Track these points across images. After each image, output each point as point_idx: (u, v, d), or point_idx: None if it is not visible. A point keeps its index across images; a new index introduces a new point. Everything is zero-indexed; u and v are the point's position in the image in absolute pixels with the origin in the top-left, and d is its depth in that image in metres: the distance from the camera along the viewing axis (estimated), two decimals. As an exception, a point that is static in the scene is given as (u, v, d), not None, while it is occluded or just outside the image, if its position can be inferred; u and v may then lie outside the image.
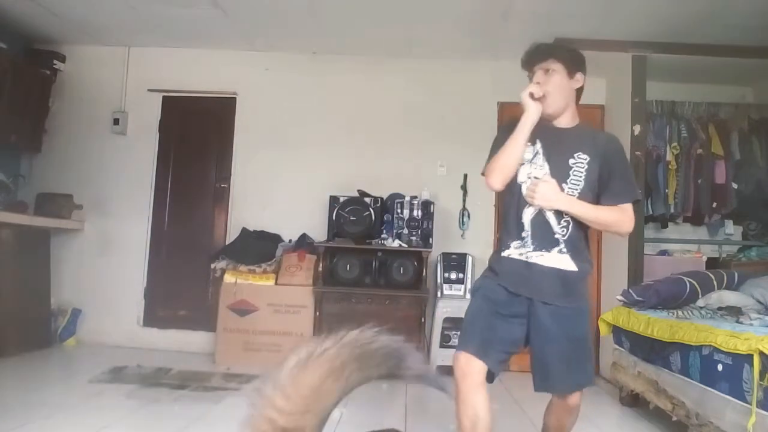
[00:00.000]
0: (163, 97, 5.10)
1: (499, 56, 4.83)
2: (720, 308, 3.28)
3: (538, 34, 4.35)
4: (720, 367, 2.46)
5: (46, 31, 4.81)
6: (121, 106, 5.07)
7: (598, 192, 2.00)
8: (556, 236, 1.97)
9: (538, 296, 1.95)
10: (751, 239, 4.67)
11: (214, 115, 5.09)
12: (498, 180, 2.06)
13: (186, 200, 5.04)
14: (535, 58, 2.22)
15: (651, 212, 4.47)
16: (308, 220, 4.83)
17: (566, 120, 2.11)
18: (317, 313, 4.38)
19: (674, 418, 2.87)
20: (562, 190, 1.96)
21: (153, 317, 4.92)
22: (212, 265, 4.67)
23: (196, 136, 5.10)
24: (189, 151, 5.07)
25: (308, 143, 4.95)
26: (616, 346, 3.71)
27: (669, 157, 4.46)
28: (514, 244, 2.00)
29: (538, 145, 2.05)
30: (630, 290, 3.61)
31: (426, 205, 4.59)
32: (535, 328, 1.96)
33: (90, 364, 4.01)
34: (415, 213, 4.56)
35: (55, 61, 4.93)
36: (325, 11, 4.19)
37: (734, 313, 3.10)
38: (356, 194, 4.64)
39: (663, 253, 4.54)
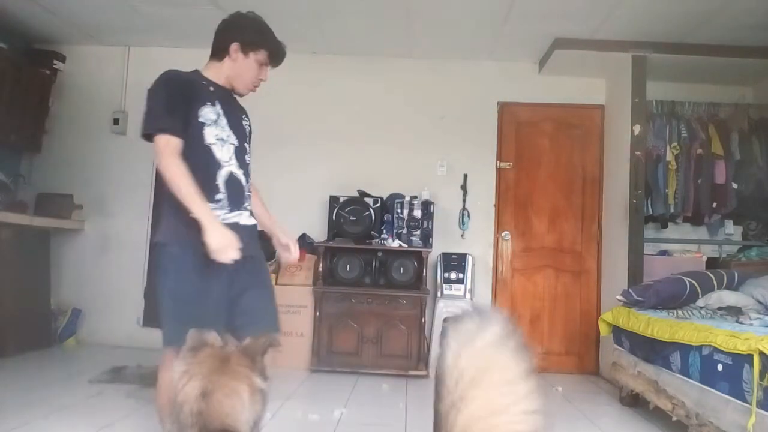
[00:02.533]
0: (163, 97, 5.09)
1: (499, 56, 4.83)
2: (720, 308, 3.28)
3: (538, 34, 4.38)
4: (720, 367, 2.46)
5: (46, 31, 4.81)
6: (121, 106, 5.07)
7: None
8: (246, 194, 2.08)
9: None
10: (751, 239, 4.67)
11: (214, 115, 5.08)
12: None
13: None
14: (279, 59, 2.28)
15: (651, 212, 4.47)
16: (308, 220, 4.83)
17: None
18: (317, 313, 4.38)
19: (674, 418, 2.87)
20: (246, 150, 2.11)
21: (153, 317, 4.91)
22: (212, 265, 4.66)
23: (196, 136, 5.09)
24: (189, 151, 5.06)
25: (308, 143, 4.95)
26: (616, 346, 3.71)
27: (669, 157, 4.46)
28: (213, 206, 1.94)
29: (218, 107, 2.04)
30: (630, 290, 3.61)
31: (426, 205, 4.59)
32: None
33: (90, 364, 4.01)
34: (415, 213, 4.56)
35: (55, 61, 4.93)
36: (325, 11, 4.19)
37: (734, 313, 3.11)
38: (356, 194, 4.64)
39: (663, 253, 4.54)
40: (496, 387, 0.92)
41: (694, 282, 3.45)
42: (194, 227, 1.82)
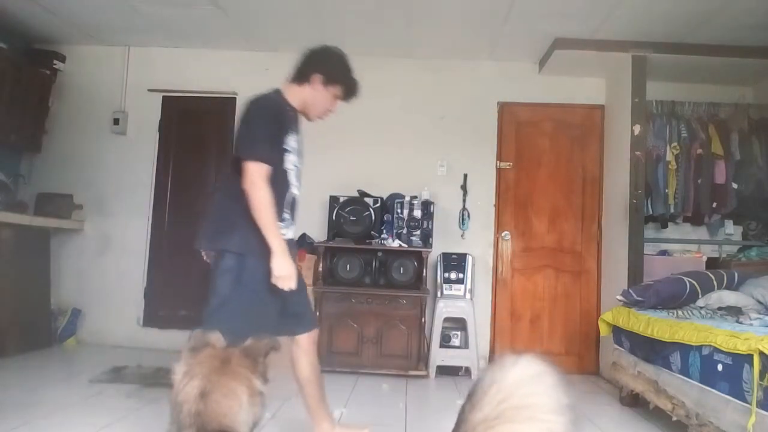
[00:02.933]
0: (163, 97, 5.10)
1: (499, 56, 4.83)
2: (720, 308, 3.28)
3: (538, 34, 4.38)
4: (720, 367, 2.46)
5: (46, 31, 4.81)
6: (121, 106, 5.07)
7: None
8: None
9: None
10: (751, 239, 4.67)
11: (214, 115, 5.09)
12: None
13: (186, 200, 5.03)
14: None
15: (651, 212, 4.47)
16: (308, 220, 4.82)
17: None
18: (317, 313, 4.37)
19: (674, 418, 2.87)
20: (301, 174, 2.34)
21: (153, 317, 4.91)
22: (212, 265, 4.66)
23: (196, 136, 5.09)
24: (189, 151, 5.07)
25: (308, 143, 4.90)
26: (616, 346, 3.71)
27: (669, 157, 4.45)
28: (280, 225, 2.17)
29: (298, 135, 2.31)
30: (630, 290, 3.61)
31: (426, 205, 4.59)
32: None
33: (90, 364, 4.01)
34: (415, 213, 4.56)
35: (55, 61, 4.93)
36: (325, 11, 4.19)
37: (734, 313, 3.11)
38: (356, 194, 4.64)
39: (663, 253, 4.54)
40: (532, 417, 0.95)
41: (694, 282, 3.45)
42: (265, 243, 2.07)
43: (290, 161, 2.23)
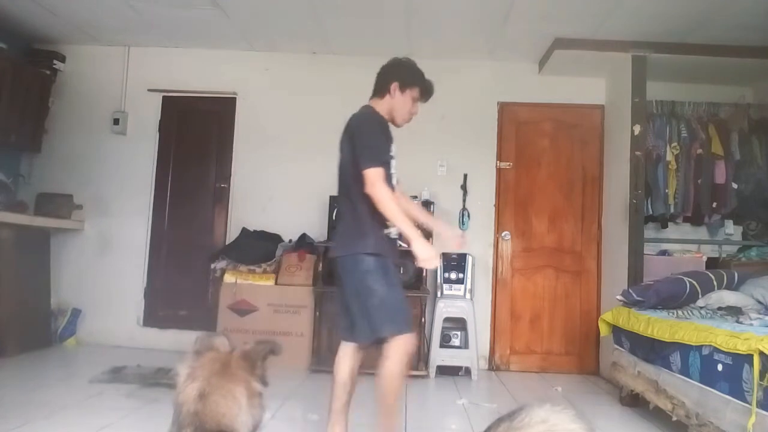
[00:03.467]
0: (163, 97, 5.09)
1: (499, 56, 4.83)
2: (720, 308, 3.28)
3: (538, 34, 4.38)
4: (720, 367, 2.46)
5: (46, 31, 4.81)
6: (121, 106, 5.07)
7: None
8: None
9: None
10: (751, 239, 4.67)
11: (214, 115, 5.09)
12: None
13: (186, 200, 5.03)
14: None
15: (651, 212, 4.47)
16: (308, 220, 4.83)
17: None
18: (317, 313, 4.38)
19: (674, 418, 2.87)
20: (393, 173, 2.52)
21: (153, 317, 4.91)
22: (212, 265, 4.67)
23: (196, 136, 5.09)
24: (189, 151, 5.07)
25: (308, 143, 4.95)
26: (616, 346, 3.71)
27: (669, 157, 4.46)
28: (389, 223, 2.39)
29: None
30: (630, 290, 3.61)
31: (426, 205, 4.58)
32: None
33: (90, 364, 4.01)
34: (415, 213, 4.55)
35: (55, 61, 4.93)
36: (325, 11, 4.19)
37: (734, 313, 3.10)
38: (356, 194, 4.64)
39: (663, 253, 4.54)
40: None
41: (694, 282, 3.45)
42: (390, 244, 2.40)
43: (392, 166, 2.50)
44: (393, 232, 2.42)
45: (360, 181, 2.32)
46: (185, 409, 1.26)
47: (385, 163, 2.38)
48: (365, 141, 2.38)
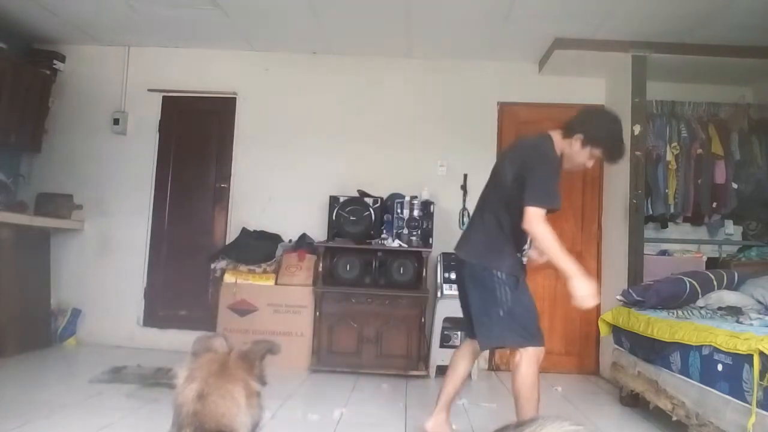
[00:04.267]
0: (163, 97, 5.09)
1: (499, 56, 4.83)
2: (720, 308, 3.28)
3: (538, 34, 4.38)
4: (720, 367, 2.47)
5: (46, 31, 4.81)
6: (121, 106, 5.07)
7: None
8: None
9: None
10: (751, 239, 4.67)
11: (214, 115, 5.09)
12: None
13: (186, 200, 5.03)
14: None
15: (651, 212, 4.46)
16: (308, 220, 4.84)
17: None
18: (317, 313, 4.38)
19: (674, 418, 2.87)
20: None
21: (153, 317, 4.91)
22: (212, 265, 4.67)
23: (196, 136, 5.09)
24: (189, 151, 5.07)
25: (308, 143, 4.95)
26: (616, 346, 3.71)
27: (669, 157, 4.45)
28: (525, 248, 2.57)
29: None
30: (630, 290, 3.61)
31: (426, 205, 4.59)
32: None
33: (90, 364, 4.01)
34: (415, 213, 4.55)
35: (55, 61, 4.93)
36: (325, 11, 4.19)
37: (734, 313, 3.10)
38: (356, 194, 4.64)
39: (663, 253, 4.54)
40: None
41: (694, 282, 3.45)
42: (521, 266, 2.57)
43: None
44: (525, 258, 2.57)
45: (515, 207, 2.40)
46: (185, 410, 1.26)
47: (553, 204, 2.44)
48: (540, 182, 2.40)
